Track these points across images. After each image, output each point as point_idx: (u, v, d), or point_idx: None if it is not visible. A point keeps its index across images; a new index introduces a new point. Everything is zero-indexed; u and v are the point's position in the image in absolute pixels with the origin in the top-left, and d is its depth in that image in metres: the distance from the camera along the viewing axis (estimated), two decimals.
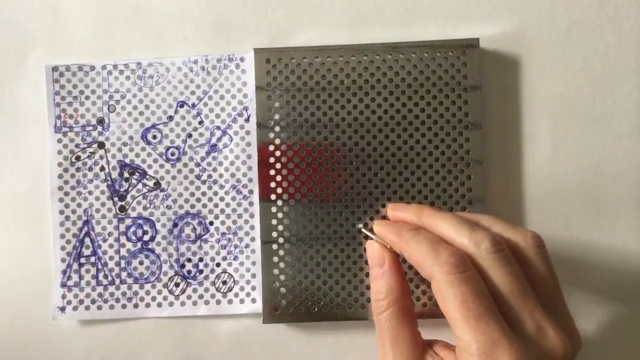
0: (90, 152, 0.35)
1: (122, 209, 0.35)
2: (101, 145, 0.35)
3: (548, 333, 0.24)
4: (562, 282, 0.34)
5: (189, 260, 0.35)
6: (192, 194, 0.35)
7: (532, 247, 0.27)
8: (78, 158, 0.35)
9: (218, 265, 0.35)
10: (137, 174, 0.35)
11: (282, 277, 0.34)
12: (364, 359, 0.35)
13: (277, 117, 0.34)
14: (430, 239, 0.27)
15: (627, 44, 0.35)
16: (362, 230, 0.33)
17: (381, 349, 0.27)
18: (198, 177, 0.35)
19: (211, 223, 0.35)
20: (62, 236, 0.35)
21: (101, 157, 0.35)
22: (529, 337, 0.24)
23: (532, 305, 0.25)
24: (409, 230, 0.28)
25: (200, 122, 0.35)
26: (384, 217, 0.33)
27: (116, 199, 0.35)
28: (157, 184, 0.35)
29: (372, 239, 0.30)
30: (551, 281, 0.27)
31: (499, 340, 0.23)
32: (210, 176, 0.35)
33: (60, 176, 0.35)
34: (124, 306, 0.35)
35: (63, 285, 0.35)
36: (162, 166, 0.35)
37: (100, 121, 0.35)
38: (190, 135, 0.35)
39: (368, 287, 0.33)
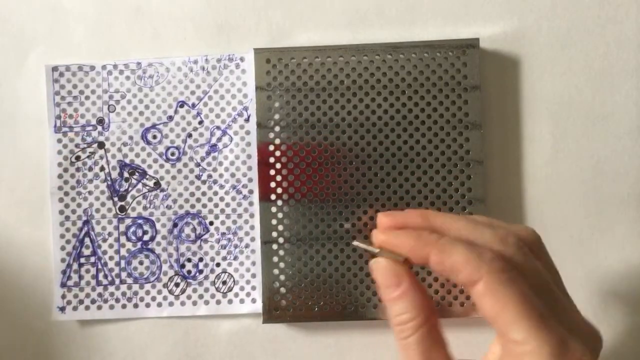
0: (90, 152, 0.35)
1: (122, 209, 0.35)
2: (101, 145, 0.35)
3: (586, 325, 0.23)
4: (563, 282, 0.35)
5: (189, 260, 0.35)
6: (192, 194, 0.35)
7: (537, 241, 0.25)
8: (78, 158, 0.35)
9: (218, 265, 0.35)
10: (137, 174, 0.35)
11: (282, 277, 0.34)
12: (364, 358, 0.35)
13: (277, 117, 0.34)
14: (461, 240, 0.24)
15: (627, 44, 0.35)
16: (358, 245, 0.27)
17: None
18: (198, 177, 0.35)
19: (211, 223, 0.35)
20: (62, 236, 0.35)
21: (101, 157, 0.35)
22: (578, 332, 0.23)
23: (567, 299, 0.24)
24: (431, 233, 0.24)
25: (200, 122, 0.35)
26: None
27: (116, 199, 0.35)
28: (157, 184, 0.35)
29: (372, 252, 0.25)
30: (557, 275, 0.26)
31: (568, 339, 0.21)
32: (210, 176, 0.35)
33: (60, 176, 0.35)
34: (124, 306, 0.35)
35: (63, 285, 0.35)
36: (162, 166, 0.35)
37: (100, 121, 0.35)
38: (190, 135, 0.35)
39: (368, 287, 0.33)
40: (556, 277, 0.25)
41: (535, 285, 0.23)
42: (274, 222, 0.34)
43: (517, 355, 0.22)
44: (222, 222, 0.35)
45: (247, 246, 0.35)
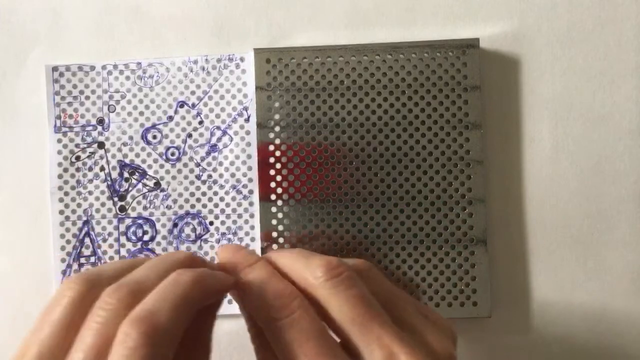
0: (90, 152, 0.35)
1: (122, 209, 0.35)
2: (101, 145, 0.35)
3: (399, 357, 0.21)
4: (563, 282, 0.35)
5: None
6: (192, 194, 0.35)
7: (367, 269, 0.25)
8: (78, 158, 0.35)
9: None
10: (137, 174, 0.35)
11: None
12: None
13: (277, 117, 0.34)
14: (260, 277, 0.24)
15: (627, 44, 0.35)
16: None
17: None
18: (198, 177, 0.35)
19: (211, 223, 0.35)
20: (62, 236, 0.35)
21: (101, 157, 0.35)
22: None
23: (378, 330, 0.22)
24: (245, 267, 0.25)
25: (200, 122, 0.35)
26: (384, 218, 0.33)
27: (116, 199, 0.35)
28: (157, 184, 0.35)
29: None
30: (398, 295, 0.25)
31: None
32: (210, 176, 0.35)
33: (60, 176, 0.35)
34: None
35: None
36: (162, 166, 0.35)
37: (100, 121, 0.35)
38: (190, 135, 0.35)
39: None
40: (391, 300, 0.24)
41: (333, 319, 0.22)
42: (274, 222, 0.34)
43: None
44: (222, 222, 0.35)
45: (247, 246, 0.35)
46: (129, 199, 0.35)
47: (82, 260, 0.35)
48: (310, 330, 0.22)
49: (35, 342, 0.22)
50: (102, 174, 0.35)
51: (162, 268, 0.23)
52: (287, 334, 0.22)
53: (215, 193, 0.35)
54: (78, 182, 0.35)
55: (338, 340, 0.23)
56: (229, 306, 0.35)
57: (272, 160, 0.34)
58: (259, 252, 0.34)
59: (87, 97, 0.35)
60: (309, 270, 0.23)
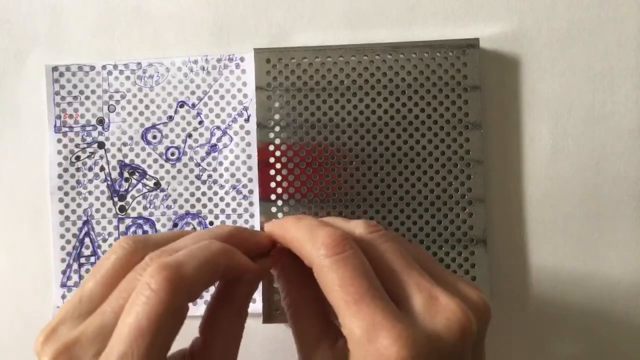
0: (90, 152, 0.35)
1: (122, 209, 0.35)
2: (101, 145, 0.35)
3: (440, 300, 0.22)
4: (562, 282, 0.35)
5: None
6: (192, 194, 0.35)
7: (396, 236, 0.26)
8: (78, 158, 0.35)
9: None
10: (137, 174, 0.35)
11: None
12: None
13: (277, 117, 0.34)
14: (309, 222, 0.25)
15: (627, 44, 0.35)
16: None
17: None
18: (198, 177, 0.35)
19: (211, 223, 0.35)
20: (62, 236, 0.35)
21: (101, 157, 0.35)
22: (419, 312, 0.22)
23: (418, 276, 0.23)
24: (290, 218, 0.26)
25: (200, 122, 0.35)
26: (384, 218, 0.33)
27: (116, 199, 0.35)
28: (157, 184, 0.35)
29: None
30: (429, 257, 0.26)
31: (381, 322, 0.21)
32: (210, 176, 0.35)
33: (60, 176, 0.35)
34: None
35: (63, 285, 0.35)
36: (162, 166, 0.35)
37: (100, 121, 0.35)
38: (190, 135, 0.35)
39: None
40: (424, 259, 0.25)
41: (376, 267, 0.23)
42: None
43: (347, 339, 0.22)
44: (222, 222, 0.35)
45: None
46: (129, 199, 0.35)
47: (82, 260, 0.35)
48: (361, 269, 0.23)
49: (79, 290, 0.24)
50: (102, 174, 0.35)
51: (202, 239, 0.24)
52: (340, 270, 0.22)
53: (215, 193, 0.35)
54: (78, 182, 0.35)
55: None
56: None
57: (272, 160, 0.34)
58: None
59: (87, 97, 0.35)
60: (348, 226, 0.25)
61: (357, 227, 0.25)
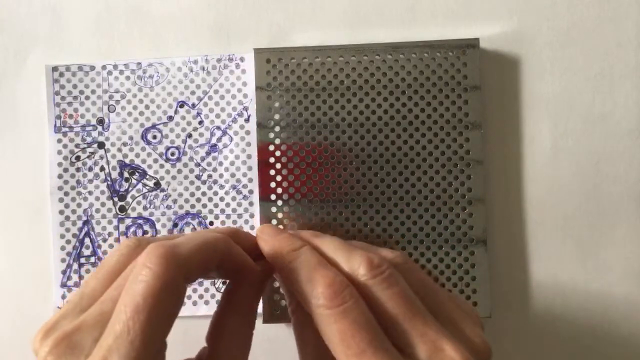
0: (90, 152, 0.35)
1: (122, 209, 0.35)
2: (101, 145, 0.35)
3: (446, 352, 0.22)
4: (562, 282, 0.35)
5: None
6: (192, 194, 0.35)
7: (403, 262, 0.25)
8: (78, 158, 0.35)
9: None
10: (137, 174, 0.35)
11: None
12: None
13: (277, 117, 0.34)
14: (307, 261, 0.24)
15: (627, 44, 0.35)
16: None
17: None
18: (198, 177, 0.35)
19: (211, 223, 0.35)
20: (62, 236, 0.35)
21: (101, 157, 0.35)
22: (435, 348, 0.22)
23: (422, 325, 0.23)
24: (290, 251, 0.25)
25: (200, 122, 0.35)
26: (384, 218, 0.33)
27: (116, 199, 0.35)
28: (157, 184, 0.35)
29: None
30: (433, 287, 0.25)
31: None
32: (210, 176, 0.35)
33: (60, 176, 0.35)
34: None
35: (63, 285, 0.35)
36: (162, 166, 0.35)
37: (100, 121, 0.35)
38: (190, 135, 0.35)
39: None
40: (429, 293, 0.25)
41: (378, 314, 0.23)
42: (274, 222, 0.34)
43: None
44: (222, 222, 0.35)
45: None
46: (129, 199, 0.35)
47: (82, 260, 0.35)
48: (362, 321, 0.22)
49: (81, 287, 0.24)
50: (102, 174, 0.35)
51: (201, 235, 0.24)
52: (339, 323, 0.22)
53: (215, 193, 0.35)
54: (78, 182, 0.35)
55: None
56: None
57: (272, 160, 0.34)
58: None
59: (87, 97, 0.35)
60: (349, 264, 0.24)
61: (361, 267, 0.24)
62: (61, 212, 0.35)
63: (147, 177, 0.35)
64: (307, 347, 0.25)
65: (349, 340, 0.21)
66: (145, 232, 0.35)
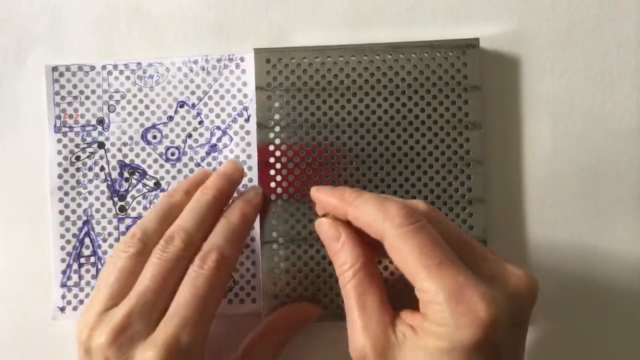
0: (90, 152, 0.35)
1: (122, 209, 0.35)
2: (101, 145, 0.35)
3: (509, 269, 0.25)
4: (562, 282, 0.35)
5: None
6: None
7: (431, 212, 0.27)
8: (78, 158, 0.35)
9: None
10: (137, 174, 0.35)
11: (282, 277, 0.34)
12: None
13: (277, 117, 0.34)
14: (375, 196, 0.26)
15: (627, 44, 0.35)
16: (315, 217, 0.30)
17: (350, 317, 0.26)
18: None
19: None
20: (62, 236, 0.35)
21: (101, 157, 0.35)
22: (492, 277, 0.24)
23: (483, 250, 0.25)
24: (352, 192, 0.27)
25: (200, 122, 0.35)
26: None
27: (116, 199, 0.35)
28: (157, 184, 0.35)
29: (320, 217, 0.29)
30: (467, 237, 0.27)
31: (465, 282, 0.23)
32: None
33: (60, 176, 0.35)
34: None
35: (63, 285, 0.35)
36: (162, 166, 0.35)
37: (100, 121, 0.35)
38: (190, 135, 0.35)
39: None
40: (461, 238, 0.26)
41: (443, 232, 0.25)
42: (274, 222, 0.34)
43: (424, 303, 0.23)
44: None
45: (247, 246, 0.35)
46: (129, 199, 0.35)
47: (82, 260, 0.35)
48: (436, 237, 0.24)
49: (101, 281, 0.29)
50: (102, 174, 0.35)
51: (200, 212, 0.30)
52: (417, 237, 0.24)
53: None
54: (78, 182, 0.35)
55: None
56: (229, 306, 0.35)
57: (272, 160, 0.34)
58: (258, 252, 0.34)
59: (87, 97, 0.35)
60: (408, 206, 0.25)
61: (419, 205, 0.26)
62: (61, 212, 0.35)
63: (147, 177, 0.35)
64: (368, 305, 0.26)
65: (429, 252, 0.23)
66: None
